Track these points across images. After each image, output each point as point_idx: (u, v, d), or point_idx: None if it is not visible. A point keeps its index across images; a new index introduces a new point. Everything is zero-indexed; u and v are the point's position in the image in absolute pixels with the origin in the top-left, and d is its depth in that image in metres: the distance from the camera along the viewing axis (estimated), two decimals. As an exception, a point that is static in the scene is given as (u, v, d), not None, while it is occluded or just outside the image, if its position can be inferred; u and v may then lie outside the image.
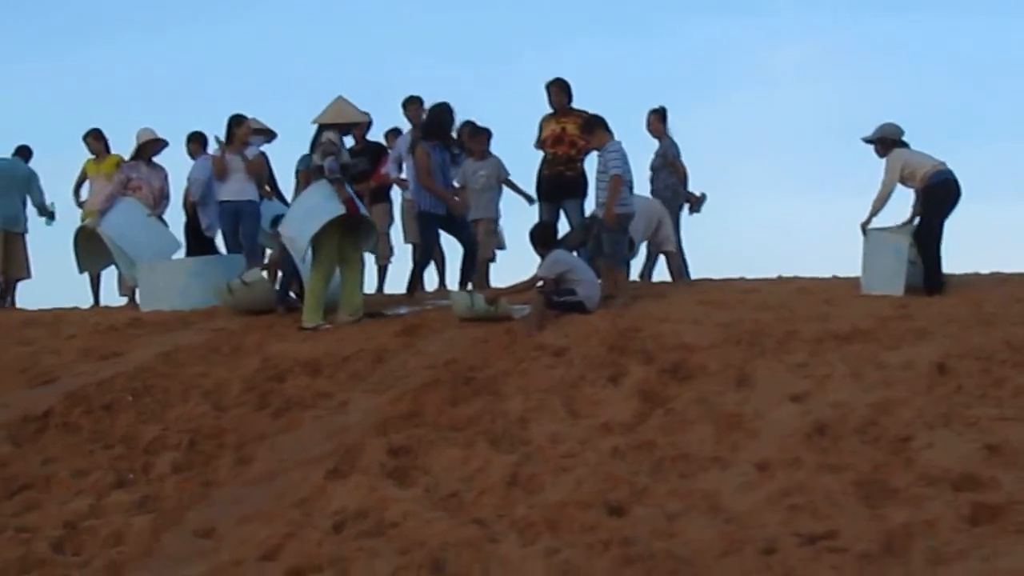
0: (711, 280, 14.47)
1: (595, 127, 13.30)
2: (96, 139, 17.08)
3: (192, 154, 16.47)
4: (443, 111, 14.56)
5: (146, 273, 15.07)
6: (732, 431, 8.52)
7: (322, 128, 13.35)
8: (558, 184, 14.59)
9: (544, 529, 7.18)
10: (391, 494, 7.90)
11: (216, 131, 15.54)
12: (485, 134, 15.69)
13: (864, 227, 12.99)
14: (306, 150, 13.97)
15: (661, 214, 14.96)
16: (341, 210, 12.98)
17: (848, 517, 7.02)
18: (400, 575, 6.71)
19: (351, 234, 13.24)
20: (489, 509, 7.63)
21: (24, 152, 17.47)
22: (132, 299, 16.12)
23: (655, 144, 15.84)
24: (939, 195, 12.84)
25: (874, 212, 13.04)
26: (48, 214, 17.42)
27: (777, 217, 38.79)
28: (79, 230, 16.31)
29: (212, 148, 15.79)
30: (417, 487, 8.07)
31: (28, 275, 17.55)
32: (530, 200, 15.28)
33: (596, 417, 9.09)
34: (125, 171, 16.05)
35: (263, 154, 15.78)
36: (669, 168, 15.58)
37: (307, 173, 14.29)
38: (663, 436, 8.55)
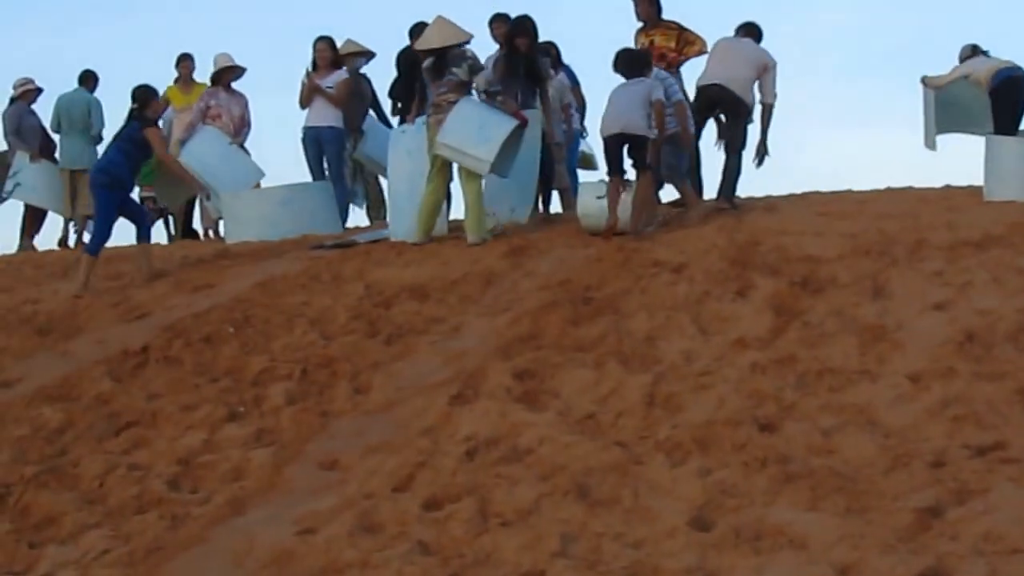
0: (820, 192, 13.95)
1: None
2: (189, 64, 16.60)
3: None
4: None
5: (231, 203, 14.65)
6: (876, 343, 8.13)
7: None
8: None
9: (693, 449, 6.85)
10: (523, 419, 7.53)
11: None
12: None
13: None
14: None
15: None
16: (515, 122, 12.59)
17: (1016, 427, 6.71)
18: (545, 502, 6.37)
19: None
20: (630, 431, 7.29)
21: (88, 80, 16.88)
22: (215, 232, 15.75)
23: None
24: (1002, 96, 12.61)
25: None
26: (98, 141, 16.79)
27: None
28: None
29: None
30: (549, 411, 7.70)
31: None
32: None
33: (728, 333, 8.68)
34: (204, 99, 15.61)
35: (348, 80, 15.31)
36: None
37: None
38: (804, 350, 8.15)
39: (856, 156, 35.88)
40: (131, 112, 12.79)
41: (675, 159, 12.28)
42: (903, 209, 11.65)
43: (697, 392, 7.66)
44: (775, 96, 12.78)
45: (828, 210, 11.91)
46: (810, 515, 5.87)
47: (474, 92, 12.85)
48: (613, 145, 11.99)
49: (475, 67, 12.78)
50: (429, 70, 12.91)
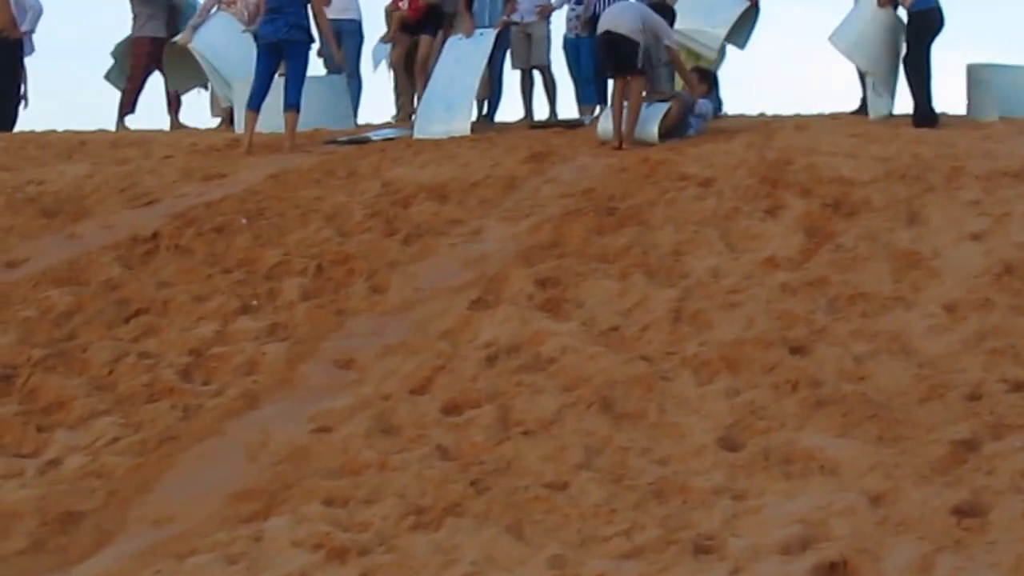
0: (846, 113, 13.68)
1: None
2: None
3: None
4: None
5: (243, 92, 14.33)
6: (911, 270, 7.90)
7: None
8: None
9: (721, 368, 6.64)
10: (545, 327, 7.34)
11: None
12: None
13: None
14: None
15: None
16: (745, 3, 13.06)
17: (1053, 364, 6.44)
18: (568, 413, 6.18)
19: None
20: (655, 345, 7.07)
21: None
22: (228, 121, 15.43)
23: None
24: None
25: None
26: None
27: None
28: (170, 46, 15.60)
29: None
30: (572, 320, 7.49)
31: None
32: None
33: (757, 252, 8.45)
34: (219, -16, 15.26)
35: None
36: None
37: None
38: (835, 273, 7.93)
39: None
40: None
41: None
42: (938, 135, 11.39)
43: (725, 310, 7.45)
44: None
45: (859, 132, 11.66)
46: (841, 441, 5.67)
47: None
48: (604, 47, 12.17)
49: None
50: None
